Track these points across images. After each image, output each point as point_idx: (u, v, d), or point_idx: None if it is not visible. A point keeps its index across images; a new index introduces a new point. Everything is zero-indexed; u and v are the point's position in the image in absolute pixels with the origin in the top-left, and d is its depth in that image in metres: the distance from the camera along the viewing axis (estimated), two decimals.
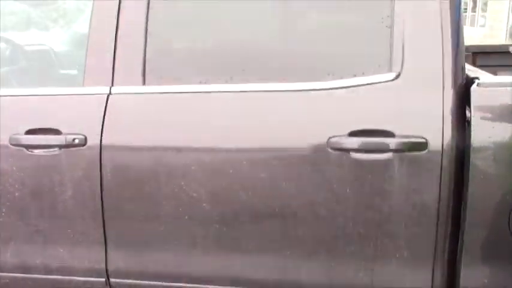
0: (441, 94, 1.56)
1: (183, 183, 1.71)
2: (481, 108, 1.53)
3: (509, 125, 1.54)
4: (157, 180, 1.74)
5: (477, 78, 1.59)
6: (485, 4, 15.64)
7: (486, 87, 1.56)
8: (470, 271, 1.62)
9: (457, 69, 1.59)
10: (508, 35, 13.36)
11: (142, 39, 1.75)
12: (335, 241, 1.70)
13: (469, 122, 1.54)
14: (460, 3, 1.64)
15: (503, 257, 1.62)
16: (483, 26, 15.71)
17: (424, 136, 1.55)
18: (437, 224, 1.60)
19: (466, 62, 2.98)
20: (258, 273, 1.78)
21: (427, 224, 1.61)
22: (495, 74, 2.71)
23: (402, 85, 1.59)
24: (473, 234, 1.60)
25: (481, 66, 3.20)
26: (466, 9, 17.18)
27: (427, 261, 1.64)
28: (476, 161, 1.54)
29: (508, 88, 1.58)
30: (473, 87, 1.54)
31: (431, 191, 1.58)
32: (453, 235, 1.63)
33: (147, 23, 1.75)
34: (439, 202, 1.58)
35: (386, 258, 1.67)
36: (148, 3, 1.75)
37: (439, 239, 1.62)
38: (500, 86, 1.59)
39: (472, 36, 16.19)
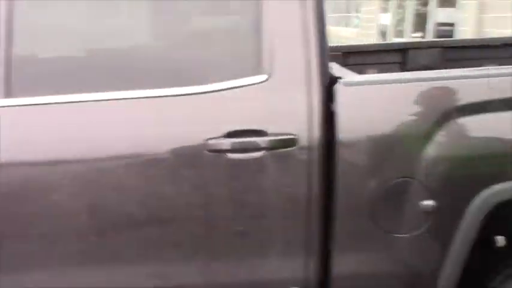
0: (308, 93, 1.65)
1: (56, 197, 1.65)
2: (345, 105, 1.65)
3: (371, 120, 1.67)
4: (28, 197, 1.66)
5: (341, 77, 1.70)
6: (359, 6, 16.62)
7: (349, 85, 1.67)
8: (341, 259, 1.74)
9: (323, 69, 1.69)
10: (379, 35, 14.30)
11: (4, 49, 1.64)
12: (214, 241, 1.73)
13: (334, 118, 1.65)
14: (323, 7, 1.74)
15: (370, 243, 1.75)
16: (357, 26, 16.68)
17: (294, 133, 1.64)
18: (309, 216, 1.69)
19: (337, 61, 3.17)
20: (140, 282, 1.76)
21: (300, 217, 1.70)
22: (364, 72, 2.90)
23: (272, 86, 1.66)
24: (342, 225, 1.71)
25: (352, 65, 3.43)
26: (359, 11, 18.13)
27: (301, 252, 1.73)
28: (343, 155, 1.65)
29: (370, 86, 1.72)
30: (337, 86, 1.65)
31: (303, 185, 1.67)
32: (325, 226, 1.73)
33: (10, 31, 1.65)
34: (309, 195, 1.67)
35: (263, 252, 1.74)
36: (11, 10, 1.65)
37: (312, 231, 1.71)
38: (363, 84, 1.72)
39: (348, 37, 17.15)
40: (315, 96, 1.65)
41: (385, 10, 13.96)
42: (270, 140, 1.63)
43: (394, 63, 3.38)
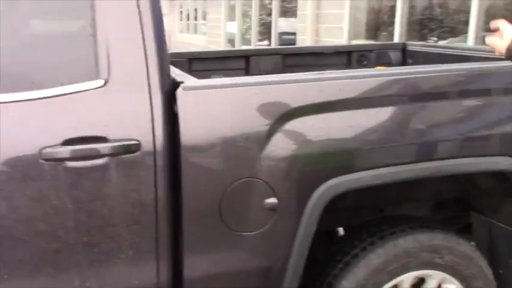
0: (149, 98, 1.63)
1: None
2: (186, 110, 1.66)
3: (213, 122, 1.70)
4: None
5: (182, 82, 1.71)
6: (205, 13, 16.91)
7: (190, 90, 1.69)
8: (192, 261, 1.75)
9: (163, 74, 1.68)
10: (225, 41, 14.69)
11: None
12: (59, 254, 1.64)
13: (177, 123, 1.65)
14: (160, 12, 1.74)
15: (220, 243, 1.78)
16: (205, 33, 16.95)
17: (136, 138, 1.61)
18: (157, 221, 1.67)
19: (183, 67, 3.18)
20: None
21: (147, 222, 1.67)
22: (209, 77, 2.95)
23: (111, 91, 1.61)
24: (191, 227, 1.72)
25: (197, 71, 3.47)
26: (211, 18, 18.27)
27: (151, 257, 1.71)
28: (187, 158, 1.66)
29: (211, 90, 1.75)
30: (179, 90, 1.66)
31: (149, 189, 1.65)
32: (174, 230, 1.73)
33: None
34: (156, 200, 1.65)
35: (112, 260, 1.68)
36: None
37: (161, 235, 1.70)
38: (203, 89, 1.74)
39: (196, 44, 17.36)
40: (156, 102, 1.64)
41: (231, 18, 14.37)
42: (112, 146, 1.58)
43: (238, 69, 3.50)
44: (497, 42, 2.15)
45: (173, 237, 1.73)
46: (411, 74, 1.97)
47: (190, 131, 1.66)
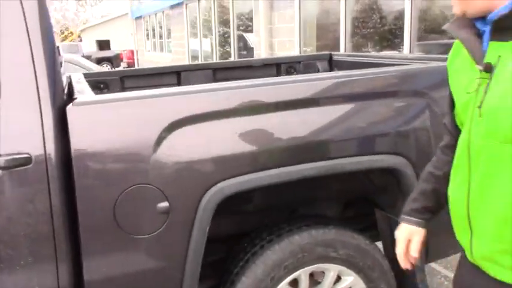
0: (40, 114, 1.76)
1: None
2: (77, 124, 1.79)
3: (102, 134, 1.84)
4: None
5: (75, 98, 1.84)
6: (169, 32, 17.06)
7: (81, 105, 1.82)
8: (92, 265, 1.87)
9: (55, 91, 1.82)
10: (190, 58, 14.85)
11: None
12: None
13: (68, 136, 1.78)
14: (51, 31, 1.88)
15: (117, 247, 1.91)
16: (170, 51, 17.09)
17: (27, 152, 1.73)
18: (53, 228, 1.79)
19: (115, 85, 3.33)
20: None
21: (45, 230, 1.79)
22: None
23: (2, 108, 1.74)
24: (88, 233, 1.84)
25: (129, 88, 3.62)
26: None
27: (51, 263, 1.82)
28: (79, 169, 1.79)
29: (102, 104, 1.88)
30: (68, 106, 1.79)
31: (44, 199, 1.77)
32: (73, 235, 1.85)
33: None
34: (51, 209, 1.78)
35: (12, 268, 1.79)
36: None
37: (59, 241, 1.81)
38: (94, 103, 1.88)
39: (162, 62, 17.47)
40: (47, 117, 1.77)
41: (194, 36, 14.55)
42: (4, 160, 1.71)
43: (170, 84, 3.64)
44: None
45: (72, 242, 1.85)
46: (298, 82, 2.14)
47: (81, 143, 1.79)
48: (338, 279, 2.30)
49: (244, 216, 2.48)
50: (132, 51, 24.24)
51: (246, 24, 11.25)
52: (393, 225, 2.42)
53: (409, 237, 1.61)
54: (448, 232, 1.51)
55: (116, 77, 3.52)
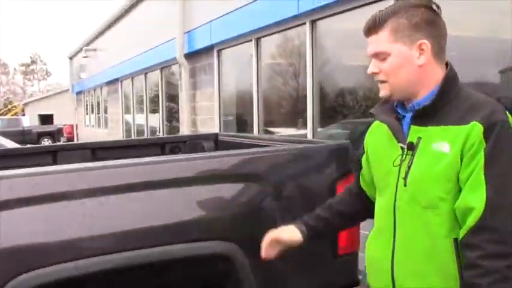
0: None
1: None
2: None
3: None
4: None
5: None
6: (106, 107, 17.06)
7: None
8: None
9: None
10: (124, 134, 14.79)
11: None
12: None
13: None
14: None
15: None
16: (107, 127, 17.01)
17: None
18: None
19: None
20: None
21: None
22: None
23: None
24: None
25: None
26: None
27: None
28: None
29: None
30: None
31: None
32: None
33: None
34: None
35: None
36: None
37: None
38: None
39: (98, 136, 17.35)
40: None
41: (128, 112, 14.56)
42: None
43: (45, 164, 3.53)
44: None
45: None
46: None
47: None
48: None
49: None
50: (72, 126, 23.94)
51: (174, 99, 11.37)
52: None
53: (281, 232, 1.83)
54: None
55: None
